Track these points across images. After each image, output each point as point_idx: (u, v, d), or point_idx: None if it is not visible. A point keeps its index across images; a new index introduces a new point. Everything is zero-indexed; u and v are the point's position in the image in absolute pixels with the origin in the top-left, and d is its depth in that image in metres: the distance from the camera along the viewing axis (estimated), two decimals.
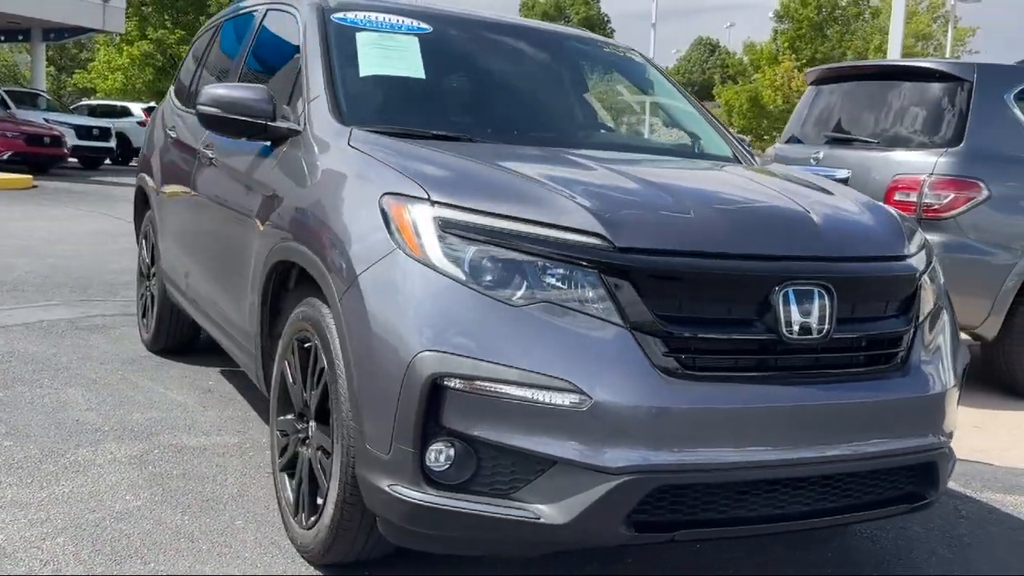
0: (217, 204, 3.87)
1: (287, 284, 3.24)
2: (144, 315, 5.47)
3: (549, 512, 2.34)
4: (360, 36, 3.62)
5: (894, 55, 13.70)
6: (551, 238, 2.44)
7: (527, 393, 2.32)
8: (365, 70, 3.50)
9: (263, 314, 3.30)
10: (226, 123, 3.38)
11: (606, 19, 56.20)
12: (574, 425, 2.32)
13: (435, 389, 2.36)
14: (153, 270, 5.24)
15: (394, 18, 3.76)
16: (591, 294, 2.40)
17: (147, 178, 5.28)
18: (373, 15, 3.73)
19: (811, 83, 7.10)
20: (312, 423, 2.92)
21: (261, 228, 3.29)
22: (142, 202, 5.67)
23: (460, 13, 3.99)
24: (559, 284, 2.41)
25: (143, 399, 4.49)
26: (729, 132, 4.16)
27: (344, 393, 2.62)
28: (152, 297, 5.27)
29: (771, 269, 2.54)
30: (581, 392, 2.30)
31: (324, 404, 2.82)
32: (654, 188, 2.80)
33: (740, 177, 3.36)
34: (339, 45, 3.54)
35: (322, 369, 2.81)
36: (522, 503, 2.38)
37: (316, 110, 3.28)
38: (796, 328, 2.51)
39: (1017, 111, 5.80)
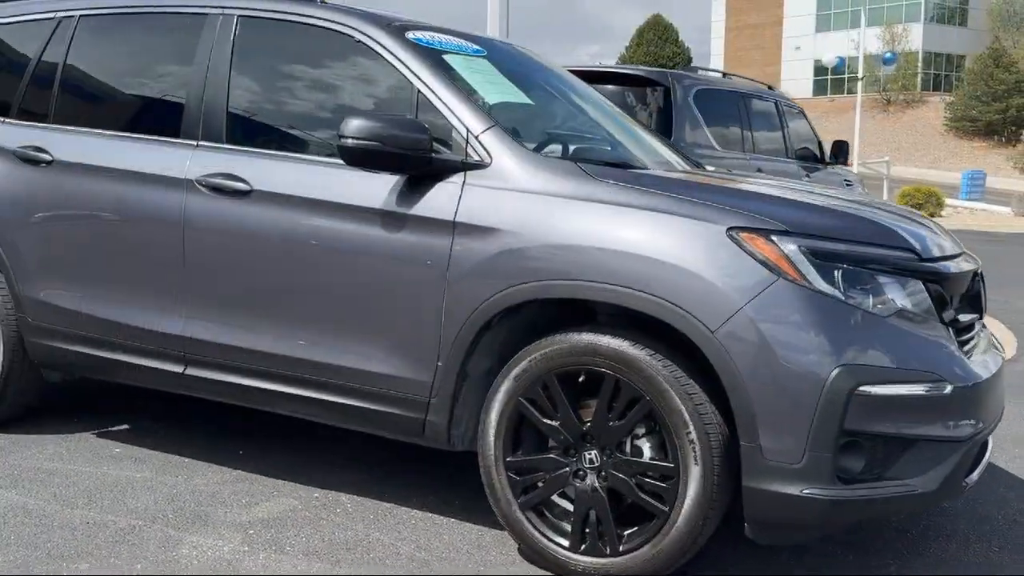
0: (311, 245, 3.37)
1: (490, 325, 3.15)
2: None
3: (922, 483, 2.86)
4: (451, 59, 3.50)
5: None
6: (887, 256, 2.91)
7: (907, 389, 2.81)
8: (490, 97, 3.42)
9: (465, 358, 3.15)
10: (384, 157, 3.12)
11: None
12: (937, 408, 2.86)
13: (848, 398, 2.72)
14: None
15: (454, 39, 3.68)
16: (920, 299, 2.94)
17: None
18: (440, 36, 3.62)
19: None
20: (598, 452, 3.00)
21: (455, 269, 3.12)
22: None
23: (478, 35, 3.98)
24: (901, 293, 2.90)
25: (96, 484, 3.69)
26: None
27: (701, 418, 2.81)
28: None
29: (973, 263, 3.30)
30: (943, 380, 2.85)
31: (621, 433, 2.97)
32: (869, 206, 3.38)
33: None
34: (446, 70, 3.40)
35: (633, 399, 2.92)
36: (896, 480, 2.85)
37: (497, 142, 3.18)
38: (983, 306, 3.32)
39: (696, 110, 7.15)
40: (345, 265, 3.35)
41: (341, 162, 3.28)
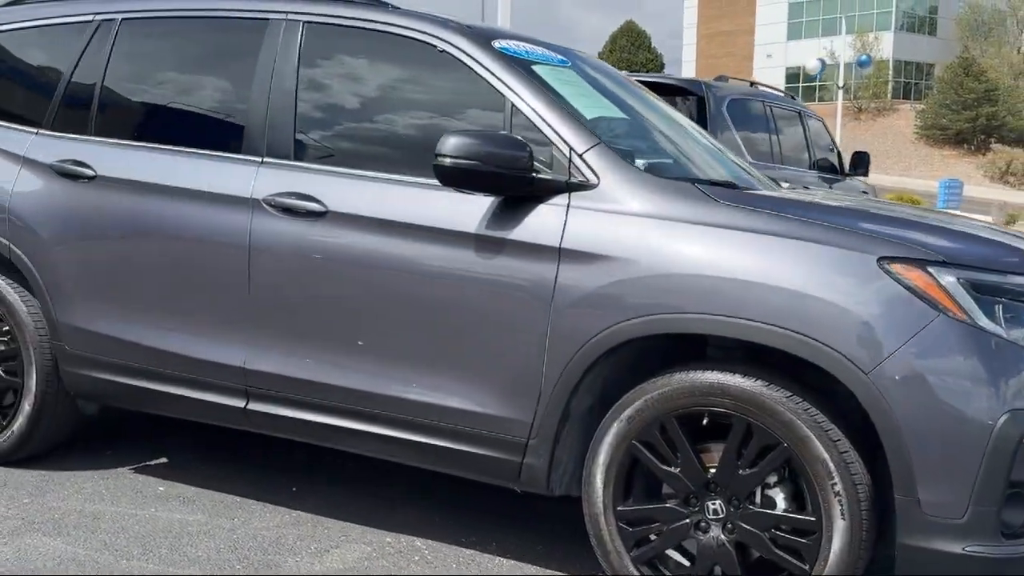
0: (394, 271, 3.10)
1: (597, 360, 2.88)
2: None
3: None
4: (540, 70, 3.23)
5: None
6: None
7: None
8: (586, 111, 3.15)
9: (570, 396, 2.88)
10: (482, 177, 2.86)
11: None
12: None
13: (1017, 446, 2.48)
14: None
15: (538, 48, 3.41)
16: None
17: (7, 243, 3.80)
18: (525, 45, 3.35)
19: None
20: (724, 503, 2.75)
21: (561, 300, 2.85)
22: None
23: (554, 43, 3.70)
24: None
25: (147, 529, 3.38)
26: None
27: (847, 467, 2.57)
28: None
29: None
30: None
31: (752, 482, 2.72)
32: (1003, 231, 3.15)
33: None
34: (540, 82, 3.13)
35: (766, 446, 2.67)
36: None
37: (603, 161, 2.93)
38: None
39: (729, 119, 6.94)
40: (433, 294, 3.06)
41: (427, 181, 3.03)
